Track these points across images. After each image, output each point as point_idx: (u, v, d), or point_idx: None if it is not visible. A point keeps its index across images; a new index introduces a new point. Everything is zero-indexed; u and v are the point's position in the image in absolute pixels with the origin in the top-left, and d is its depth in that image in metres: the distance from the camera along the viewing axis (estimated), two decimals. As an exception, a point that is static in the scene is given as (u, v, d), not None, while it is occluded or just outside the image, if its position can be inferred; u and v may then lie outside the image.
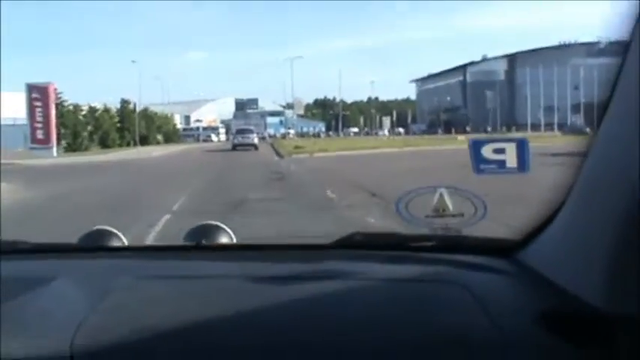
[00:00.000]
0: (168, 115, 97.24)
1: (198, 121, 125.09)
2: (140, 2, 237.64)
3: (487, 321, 1.45)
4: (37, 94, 49.48)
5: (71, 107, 58.90)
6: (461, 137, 67.92)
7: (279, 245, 2.39)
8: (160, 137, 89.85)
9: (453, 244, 2.06)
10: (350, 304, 1.59)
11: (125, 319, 1.55)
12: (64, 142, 56.75)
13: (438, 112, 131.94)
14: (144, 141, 76.31)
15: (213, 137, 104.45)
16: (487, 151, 2.21)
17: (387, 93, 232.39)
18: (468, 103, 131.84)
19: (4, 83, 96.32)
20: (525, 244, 1.74)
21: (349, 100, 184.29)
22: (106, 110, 69.17)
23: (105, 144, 66.71)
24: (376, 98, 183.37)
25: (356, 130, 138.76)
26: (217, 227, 2.28)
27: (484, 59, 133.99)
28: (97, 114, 66.24)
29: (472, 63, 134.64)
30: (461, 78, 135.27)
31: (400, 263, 1.91)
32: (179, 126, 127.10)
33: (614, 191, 1.27)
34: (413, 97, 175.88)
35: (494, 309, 1.49)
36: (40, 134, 49.38)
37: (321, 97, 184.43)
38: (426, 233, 2.14)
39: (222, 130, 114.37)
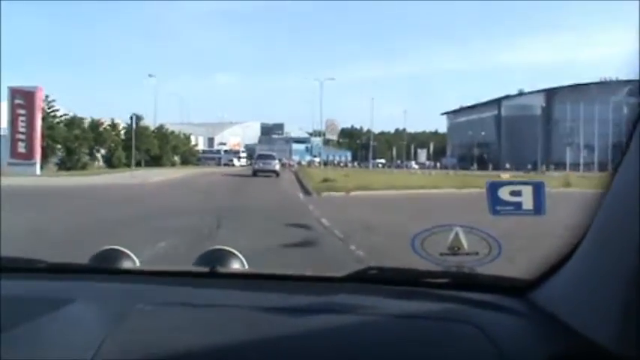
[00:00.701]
0: (187, 135, 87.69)
1: (222, 144, 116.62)
2: (167, 23, 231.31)
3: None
4: (21, 99, 40.28)
5: (64, 118, 48.49)
6: (504, 175, 58.59)
7: (293, 276, 2.23)
8: (176, 158, 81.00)
9: (466, 282, 1.99)
10: (361, 339, 1.56)
11: (140, 346, 1.53)
12: (55, 159, 47.70)
13: (470, 147, 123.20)
14: (156, 161, 67.52)
15: (235, 162, 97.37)
16: (504, 193, 2.24)
17: (414, 125, 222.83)
18: (502, 138, 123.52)
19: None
20: (539, 284, 1.70)
21: (376, 131, 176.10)
22: (113, 125, 59.73)
23: (110, 163, 57.68)
24: (404, 130, 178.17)
25: (383, 161, 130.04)
26: (229, 253, 2.27)
27: (520, 93, 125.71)
28: (101, 129, 56.79)
29: (507, 97, 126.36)
30: (495, 112, 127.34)
31: (413, 299, 1.85)
32: (201, 148, 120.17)
33: (630, 234, 1.23)
34: (441, 129, 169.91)
35: (506, 349, 1.45)
36: (21, 147, 40.24)
37: (347, 126, 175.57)
38: (439, 270, 2.05)
39: (243, 154, 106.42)
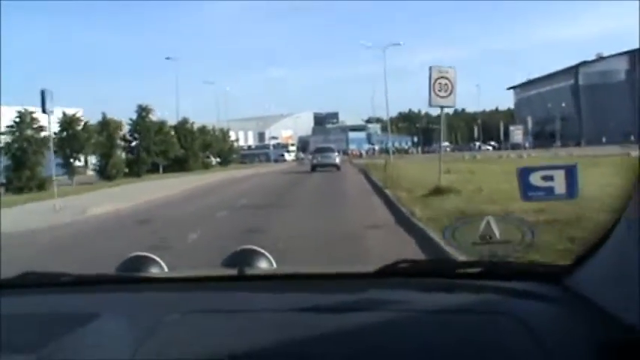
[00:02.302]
0: (223, 130, 68.20)
1: (273, 138, 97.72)
2: (217, 20, 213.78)
3: (537, 350, 1.33)
4: None
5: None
6: (635, 152, 38.29)
7: (322, 274, 2.08)
8: (212, 159, 62.03)
9: (500, 271, 1.84)
10: (396, 335, 1.46)
11: (174, 357, 1.45)
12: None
13: (544, 122, 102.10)
14: (181, 166, 48.67)
15: (287, 156, 79.54)
16: (535, 179, 2.17)
17: (473, 104, 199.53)
18: (582, 110, 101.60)
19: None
20: (574, 269, 1.60)
21: (434, 113, 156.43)
22: (104, 123, 40.25)
23: (104, 173, 38.97)
24: (463, 110, 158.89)
25: (447, 144, 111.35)
26: (256, 252, 2.21)
27: (600, 58, 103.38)
28: (78, 127, 36.69)
29: (585, 63, 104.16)
30: (572, 81, 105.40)
31: (446, 291, 1.73)
32: (251, 143, 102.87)
33: None
34: (501, 107, 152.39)
35: (544, 336, 1.37)
36: None
37: (405, 110, 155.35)
38: (472, 260, 1.95)
39: (292, 148, 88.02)
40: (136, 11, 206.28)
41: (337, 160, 41.92)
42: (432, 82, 16.20)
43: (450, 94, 16.24)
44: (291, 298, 1.77)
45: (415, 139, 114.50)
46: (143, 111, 45.82)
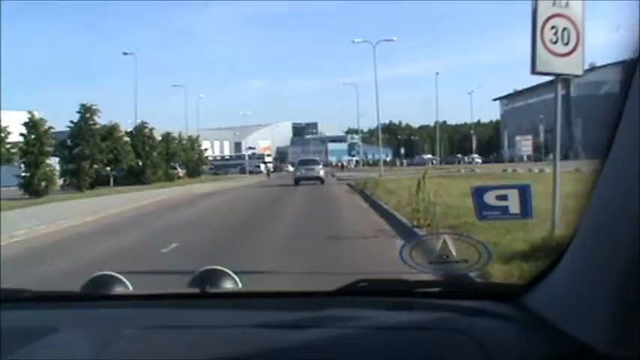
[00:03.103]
0: (192, 138, 59.42)
1: (250, 148, 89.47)
2: (189, 28, 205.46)
3: None
4: None
5: None
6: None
7: (283, 293, 2.11)
8: (178, 170, 53.64)
9: (457, 290, 1.87)
10: (353, 352, 1.45)
11: None
12: None
13: (533, 135, 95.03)
14: (137, 179, 40.18)
15: (262, 168, 72.02)
16: (490, 198, 2.09)
17: (453, 117, 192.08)
18: (573, 122, 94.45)
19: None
20: (530, 288, 1.59)
21: (415, 125, 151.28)
22: (32, 124, 31.29)
23: (27, 186, 30.36)
24: (444, 122, 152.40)
25: (429, 156, 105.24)
26: (222, 272, 2.07)
27: (592, 67, 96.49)
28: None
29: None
30: (562, 92, 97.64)
31: (404, 310, 1.71)
32: (227, 154, 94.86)
33: (619, 233, 1.12)
34: (484, 119, 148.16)
35: (497, 355, 1.35)
36: None
37: (385, 121, 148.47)
38: (430, 279, 1.95)
39: (268, 159, 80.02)
40: (98, 10, 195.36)
41: (322, 173, 39.20)
42: (541, 24, 7.89)
43: (575, 48, 7.98)
44: (252, 315, 1.71)
45: (401, 151, 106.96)
46: (87, 112, 36.80)
